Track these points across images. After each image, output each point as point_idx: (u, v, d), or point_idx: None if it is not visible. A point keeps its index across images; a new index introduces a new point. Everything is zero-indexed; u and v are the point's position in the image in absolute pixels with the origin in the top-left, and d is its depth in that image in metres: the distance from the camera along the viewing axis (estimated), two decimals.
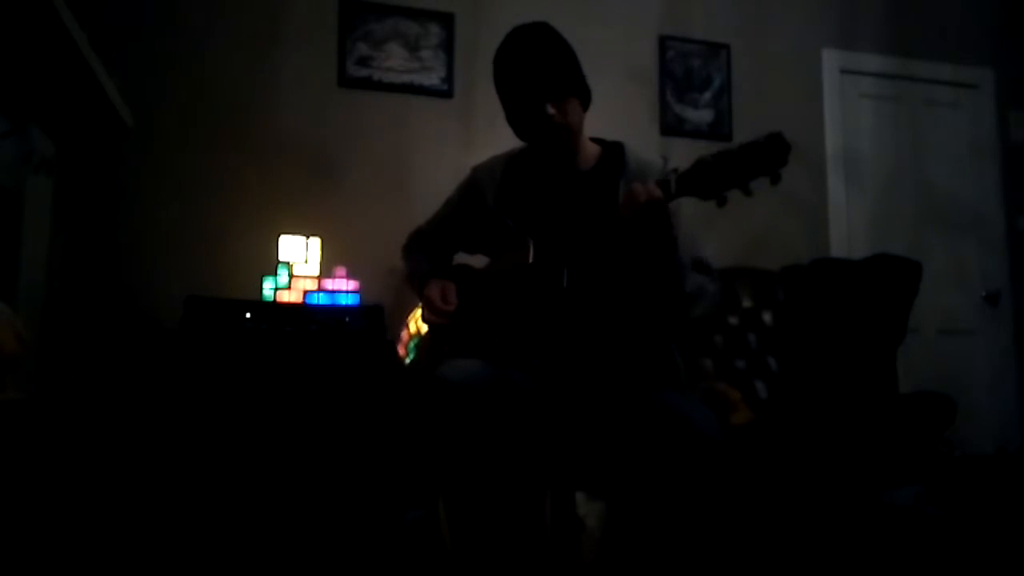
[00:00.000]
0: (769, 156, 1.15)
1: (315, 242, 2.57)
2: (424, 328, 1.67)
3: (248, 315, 2.28)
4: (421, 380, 1.40)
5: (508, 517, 1.33)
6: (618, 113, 2.90)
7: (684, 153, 3.22)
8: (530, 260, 1.44)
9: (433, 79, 2.98)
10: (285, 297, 2.45)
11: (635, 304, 1.43)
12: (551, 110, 1.44)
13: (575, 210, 1.48)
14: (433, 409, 1.31)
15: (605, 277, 1.43)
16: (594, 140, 1.60)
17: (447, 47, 3.00)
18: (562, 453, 1.45)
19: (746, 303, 2.73)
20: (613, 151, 1.56)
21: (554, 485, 1.61)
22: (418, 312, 1.65)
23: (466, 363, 1.36)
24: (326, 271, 2.56)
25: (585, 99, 1.53)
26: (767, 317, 2.70)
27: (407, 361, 2.34)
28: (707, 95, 3.32)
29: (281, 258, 2.51)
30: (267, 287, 2.48)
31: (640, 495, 1.24)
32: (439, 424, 1.31)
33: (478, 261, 1.72)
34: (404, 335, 2.45)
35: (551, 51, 1.47)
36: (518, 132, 1.54)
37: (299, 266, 2.52)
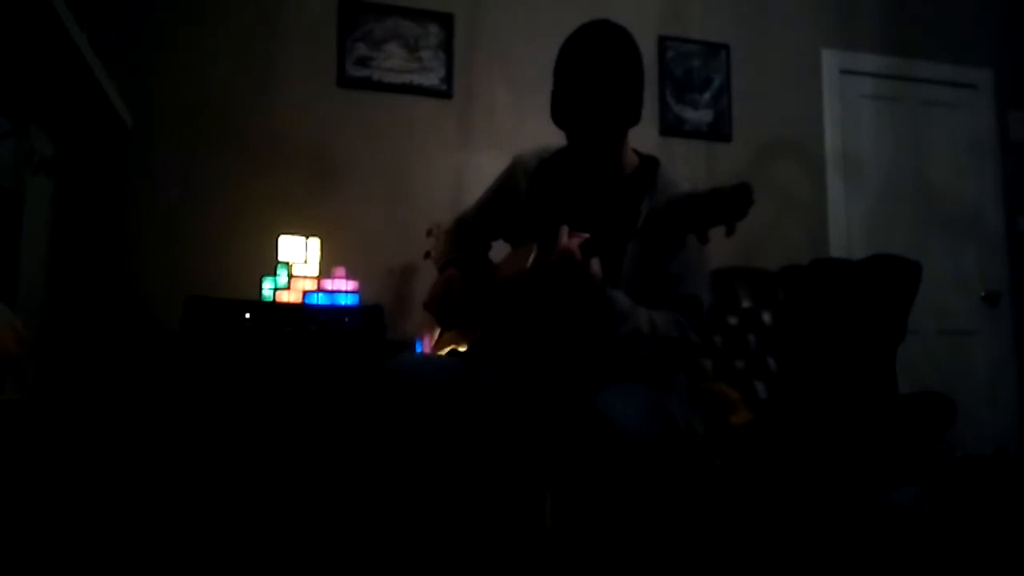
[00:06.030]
0: (732, 207, 1.12)
1: (314, 242, 2.57)
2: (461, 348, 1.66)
3: (248, 315, 2.29)
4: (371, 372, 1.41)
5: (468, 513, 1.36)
6: None
7: (684, 153, 3.23)
8: (528, 265, 1.44)
9: (432, 79, 2.98)
10: (285, 297, 2.46)
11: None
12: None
13: (589, 222, 1.47)
14: (377, 401, 1.34)
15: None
16: (634, 151, 1.59)
17: (446, 47, 3.00)
18: (528, 452, 1.44)
19: (746, 303, 2.73)
20: (648, 167, 1.54)
21: (508, 484, 1.61)
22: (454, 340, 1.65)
23: (410, 356, 1.42)
24: (325, 271, 2.56)
25: (638, 116, 1.53)
26: (767, 317, 2.69)
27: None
28: (707, 95, 3.32)
29: (280, 258, 2.52)
30: (266, 287, 2.48)
31: (574, 496, 1.20)
32: (382, 415, 1.34)
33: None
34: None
35: (636, 58, 1.49)
36: (563, 119, 1.49)
37: (298, 266, 2.52)
